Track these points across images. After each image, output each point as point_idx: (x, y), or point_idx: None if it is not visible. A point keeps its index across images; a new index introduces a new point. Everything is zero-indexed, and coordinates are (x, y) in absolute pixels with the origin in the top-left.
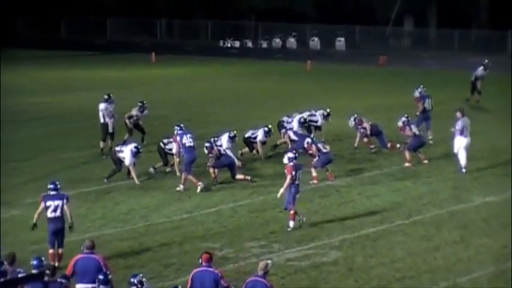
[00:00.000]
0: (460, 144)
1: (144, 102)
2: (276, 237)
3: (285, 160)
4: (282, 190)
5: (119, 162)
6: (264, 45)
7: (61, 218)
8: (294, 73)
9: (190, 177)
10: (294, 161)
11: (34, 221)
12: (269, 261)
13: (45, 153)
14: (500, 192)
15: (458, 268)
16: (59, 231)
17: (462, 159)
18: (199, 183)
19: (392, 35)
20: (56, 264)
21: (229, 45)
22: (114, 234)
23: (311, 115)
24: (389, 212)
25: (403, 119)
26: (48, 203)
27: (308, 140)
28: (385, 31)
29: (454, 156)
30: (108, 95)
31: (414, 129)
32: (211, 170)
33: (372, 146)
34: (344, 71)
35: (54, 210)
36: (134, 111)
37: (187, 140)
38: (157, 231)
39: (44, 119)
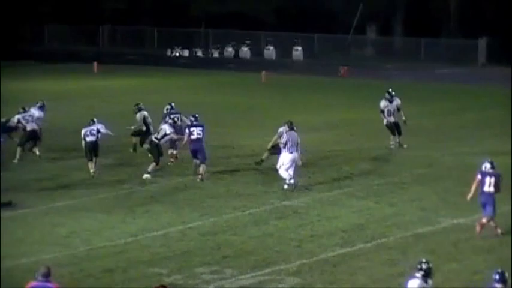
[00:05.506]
0: (283, 160)
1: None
2: (229, 263)
3: None
4: None
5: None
6: (215, 54)
7: None
8: (248, 85)
9: None
10: None
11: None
12: None
13: None
14: (470, 213)
15: None
16: None
17: (284, 174)
18: None
19: (354, 44)
20: None
21: (177, 54)
22: (53, 259)
23: None
24: (350, 235)
25: None
26: None
27: None
28: (346, 40)
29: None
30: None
31: None
32: None
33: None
34: (302, 83)
35: None
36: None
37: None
38: (100, 256)
39: None
